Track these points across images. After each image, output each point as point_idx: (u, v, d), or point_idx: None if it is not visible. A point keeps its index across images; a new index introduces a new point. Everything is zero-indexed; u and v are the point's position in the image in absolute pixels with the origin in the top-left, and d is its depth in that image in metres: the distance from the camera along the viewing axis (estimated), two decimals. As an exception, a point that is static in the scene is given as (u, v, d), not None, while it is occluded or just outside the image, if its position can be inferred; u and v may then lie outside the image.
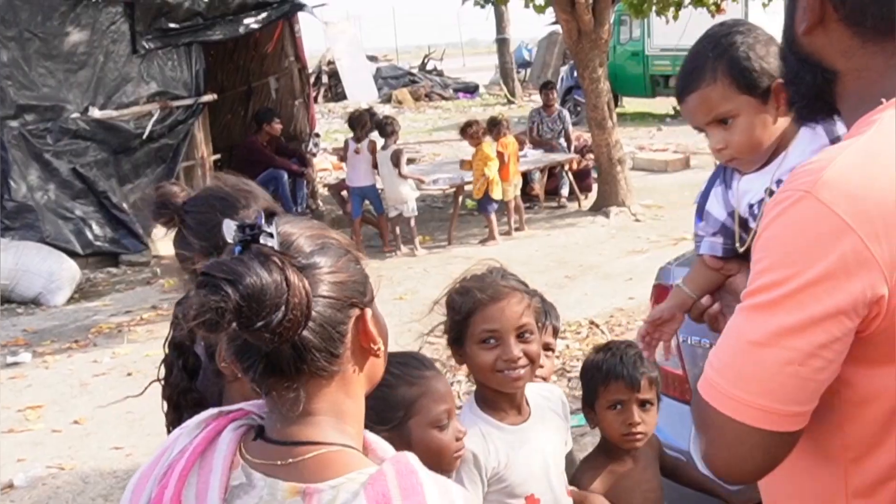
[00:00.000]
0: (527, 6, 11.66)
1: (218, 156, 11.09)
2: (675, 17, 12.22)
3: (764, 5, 11.82)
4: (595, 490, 2.44)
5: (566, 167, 11.80)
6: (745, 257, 1.94)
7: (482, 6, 12.92)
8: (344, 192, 10.57)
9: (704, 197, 2.31)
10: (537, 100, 25.52)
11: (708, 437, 1.30)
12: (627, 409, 2.45)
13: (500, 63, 27.89)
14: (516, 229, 10.52)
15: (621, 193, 11.12)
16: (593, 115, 11.09)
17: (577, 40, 10.87)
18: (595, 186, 11.73)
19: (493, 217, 10.12)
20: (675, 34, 17.98)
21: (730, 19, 2.19)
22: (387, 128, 9.79)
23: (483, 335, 2.13)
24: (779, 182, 1.87)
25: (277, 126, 11.35)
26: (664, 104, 21.32)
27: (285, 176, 11.15)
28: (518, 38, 33.34)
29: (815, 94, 1.39)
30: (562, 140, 12.23)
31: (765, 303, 1.22)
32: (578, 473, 2.48)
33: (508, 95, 26.36)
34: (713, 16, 12.33)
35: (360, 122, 9.93)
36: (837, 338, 1.19)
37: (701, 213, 2.61)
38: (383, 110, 21.00)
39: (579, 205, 11.70)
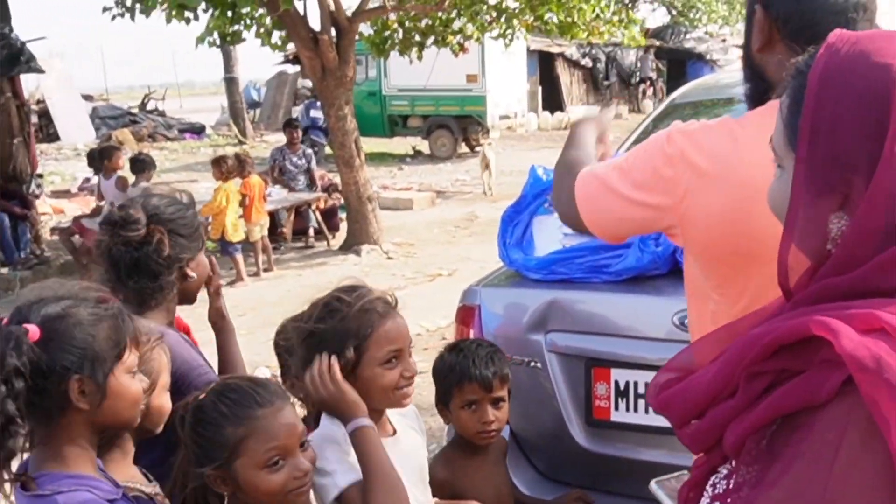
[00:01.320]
0: (264, 45, 11.63)
1: (-78, 200, 10.23)
2: (420, 58, 12.64)
3: (506, 45, 12.46)
4: (450, 483, 2.52)
5: (313, 206, 11.84)
6: None
7: (218, 46, 12.74)
8: (76, 237, 10.06)
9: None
10: (269, 140, 25.54)
11: (565, 198, 1.90)
12: (481, 408, 2.58)
13: (229, 103, 27.54)
14: (265, 270, 10.43)
15: (372, 231, 11.29)
16: (341, 154, 11.22)
17: (322, 78, 10.97)
18: (343, 225, 11.85)
19: (240, 257, 9.99)
20: (412, 74, 18.64)
21: None
22: (139, 164, 9.49)
23: (388, 355, 2.13)
24: None
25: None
26: (403, 144, 21.95)
27: (6, 219, 10.44)
28: (245, 78, 33.16)
29: (759, 100, 1.73)
30: (302, 178, 12.26)
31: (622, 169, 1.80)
32: (434, 467, 2.54)
33: (239, 136, 26.08)
34: (456, 55, 12.93)
35: (110, 157, 9.63)
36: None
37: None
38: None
39: (328, 244, 11.77)
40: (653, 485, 2.08)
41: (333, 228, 12.07)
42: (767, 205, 1.50)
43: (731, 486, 1.14)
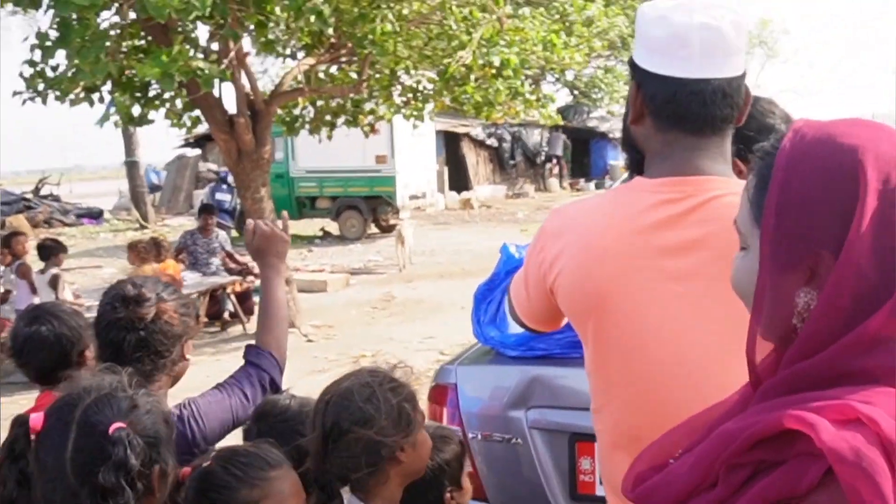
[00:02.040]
0: (174, 126, 11.57)
1: None
2: (329, 137, 12.73)
3: (415, 126, 12.65)
4: None
5: (228, 290, 11.71)
6: None
7: (125, 127, 12.62)
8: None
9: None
10: (171, 224, 25.15)
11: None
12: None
13: (130, 187, 27.16)
14: (181, 357, 10.23)
15: (290, 314, 11.16)
16: (257, 236, 11.14)
17: (238, 161, 10.94)
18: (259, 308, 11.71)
19: (157, 344, 9.79)
20: (320, 156, 18.72)
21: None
22: (46, 250, 9.27)
23: (423, 417, 2.25)
24: None
25: None
26: (311, 225, 21.90)
27: None
28: (143, 162, 32.80)
29: (636, 168, 1.93)
30: (214, 260, 12.14)
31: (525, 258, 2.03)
32: None
33: (141, 220, 25.69)
34: (367, 136, 13.07)
35: (9, 244, 9.39)
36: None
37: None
38: None
39: (244, 328, 11.63)
40: None
41: (248, 312, 11.91)
42: (606, 269, 1.77)
43: None
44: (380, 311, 12.41)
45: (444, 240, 19.05)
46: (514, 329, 3.17)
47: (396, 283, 14.42)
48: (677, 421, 1.35)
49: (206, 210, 12.65)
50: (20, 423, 1.64)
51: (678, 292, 1.74)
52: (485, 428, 3.04)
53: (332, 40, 10.87)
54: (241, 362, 2.76)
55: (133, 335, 2.34)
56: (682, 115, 1.78)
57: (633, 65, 1.87)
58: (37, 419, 1.63)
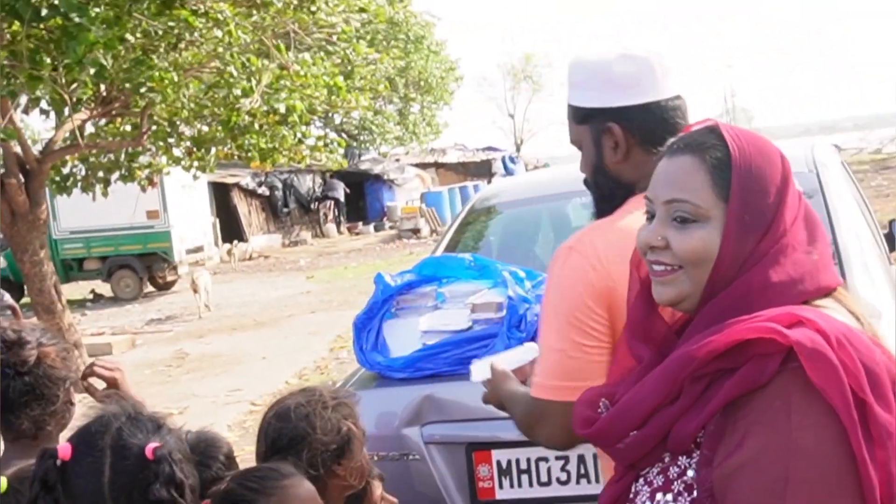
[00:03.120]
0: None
1: None
2: (105, 194, 12.44)
3: (195, 177, 12.55)
4: None
5: (10, 361, 11.16)
6: None
7: None
8: None
9: None
10: None
11: (537, 426, 2.01)
12: None
13: None
14: (-34, 438, 9.65)
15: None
16: (39, 301, 10.83)
17: (12, 223, 10.57)
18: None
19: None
20: (85, 215, 18.04)
21: None
22: None
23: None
24: None
25: None
26: (80, 289, 20.99)
27: None
28: None
29: (618, 203, 2.05)
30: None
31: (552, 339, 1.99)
32: None
33: None
34: (144, 190, 12.83)
35: None
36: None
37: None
38: None
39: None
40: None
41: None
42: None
43: (670, 476, 1.47)
44: (175, 369, 12.15)
45: (228, 292, 18.81)
46: (399, 352, 3.37)
47: (187, 340, 14.14)
48: None
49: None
50: (49, 455, 1.68)
51: None
52: (379, 449, 3.18)
53: (104, 94, 10.66)
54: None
55: (17, 381, 2.30)
56: (672, 130, 1.95)
57: (595, 112, 2.05)
58: (65, 449, 1.69)
